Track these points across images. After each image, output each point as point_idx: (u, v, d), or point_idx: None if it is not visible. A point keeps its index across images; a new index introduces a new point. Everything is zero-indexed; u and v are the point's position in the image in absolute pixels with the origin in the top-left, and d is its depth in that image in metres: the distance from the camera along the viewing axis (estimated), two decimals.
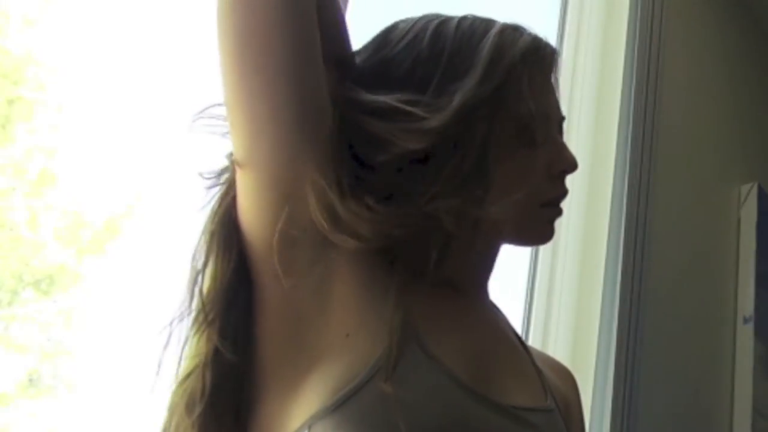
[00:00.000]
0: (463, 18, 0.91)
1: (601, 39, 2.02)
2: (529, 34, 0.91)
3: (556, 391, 0.94)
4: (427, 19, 0.91)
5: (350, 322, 0.77)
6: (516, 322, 1.75)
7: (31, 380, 1.08)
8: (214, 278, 0.81)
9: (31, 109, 1.13)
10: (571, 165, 0.91)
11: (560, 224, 0.96)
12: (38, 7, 1.15)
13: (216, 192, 0.85)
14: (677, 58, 2.21)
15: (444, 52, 0.86)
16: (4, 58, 1.11)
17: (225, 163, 0.86)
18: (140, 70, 1.21)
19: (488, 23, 0.90)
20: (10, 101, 1.10)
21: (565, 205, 0.94)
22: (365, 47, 0.93)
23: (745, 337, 2.28)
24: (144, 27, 1.23)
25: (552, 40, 1.95)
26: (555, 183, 0.91)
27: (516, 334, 0.96)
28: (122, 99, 1.19)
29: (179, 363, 0.81)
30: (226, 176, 0.85)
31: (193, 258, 0.83)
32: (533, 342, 1.75)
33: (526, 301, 1.80)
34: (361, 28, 1.48)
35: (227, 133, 0.83)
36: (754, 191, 2.44)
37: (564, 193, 0.92)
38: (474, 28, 0.89)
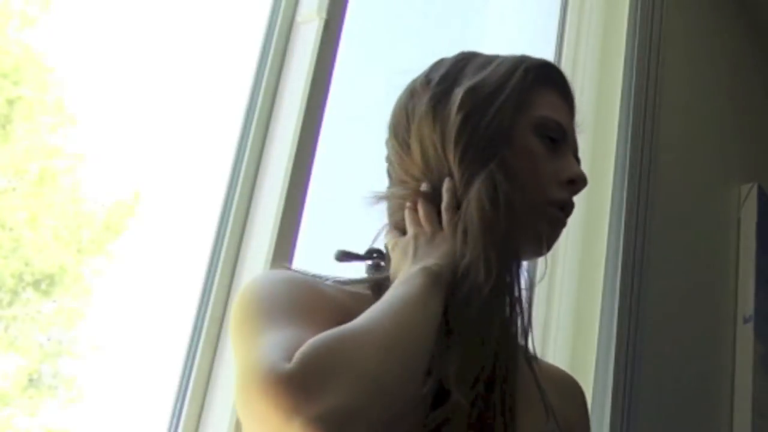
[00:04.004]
0: None
1: (601, 39, 2.02)
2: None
3: (560, 412, 0.93)
4: None
5: None
6: None
7: (31, 380, 1.08)
8: None
9: (31, 109, 1.13)
10: (579, 176, 0.95)
11: None
12: (38, 7, 1.15)
13: None
14: (677, 57, 2.21)
15: None
16: (4, 58, 1.10)
17: None
18: (140, 70, 1.21)
19: None
20: (10, 101, 1.10)
21: None
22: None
23: (745, 337, 2.28)
24: (144, 26, 1.23)
25: (552, 40, 1.97)
26: (562, 188, 0.94)
27: (521, 350, 0.95)
28: (122, 98, 1.19)
29: None
30: None
31: None
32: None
33: None
34: (361, 27, 1.48)
35: None
36: (754, 191, 2.44)
37: (569, 200, 0.95)
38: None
